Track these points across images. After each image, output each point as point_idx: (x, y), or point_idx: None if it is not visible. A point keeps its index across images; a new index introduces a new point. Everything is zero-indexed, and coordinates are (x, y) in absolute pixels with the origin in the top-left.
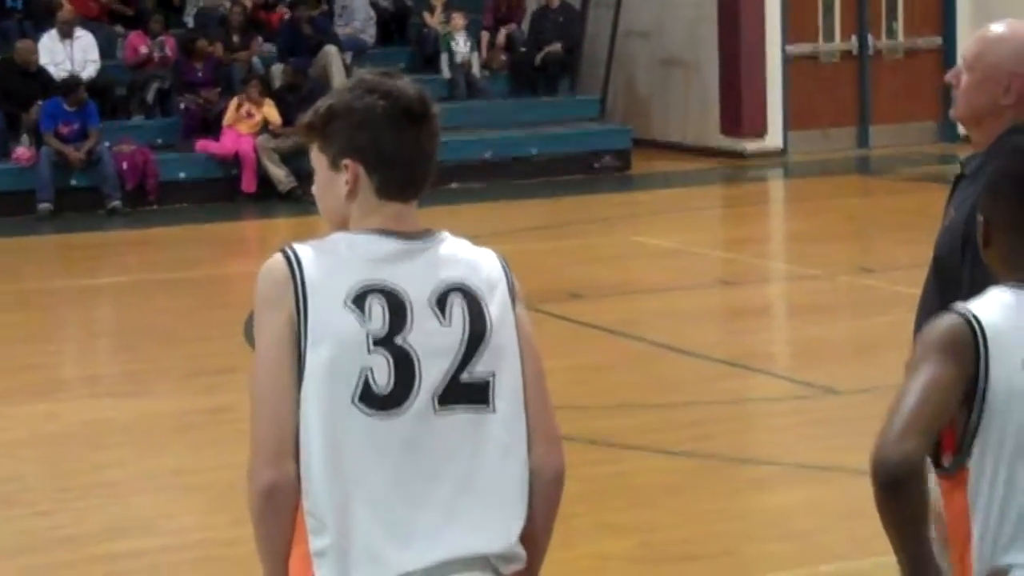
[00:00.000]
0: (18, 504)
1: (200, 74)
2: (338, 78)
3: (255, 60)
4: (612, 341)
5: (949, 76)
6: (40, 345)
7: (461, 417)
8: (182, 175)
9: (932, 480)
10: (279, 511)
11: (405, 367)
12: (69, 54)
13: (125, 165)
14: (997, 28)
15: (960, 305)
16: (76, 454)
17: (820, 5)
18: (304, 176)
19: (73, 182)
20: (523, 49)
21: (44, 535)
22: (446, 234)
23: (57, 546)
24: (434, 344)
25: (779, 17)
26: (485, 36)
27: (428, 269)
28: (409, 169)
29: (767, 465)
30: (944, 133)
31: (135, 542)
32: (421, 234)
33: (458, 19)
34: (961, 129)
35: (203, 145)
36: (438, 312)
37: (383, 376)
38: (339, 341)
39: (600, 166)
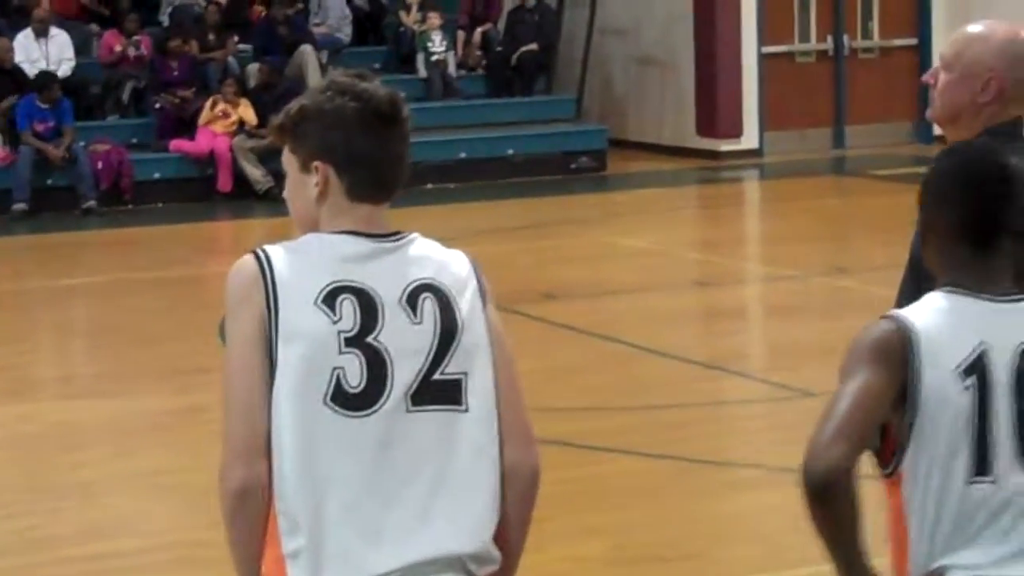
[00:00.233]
0: None
1: (175, 73)
2: (313, 77)
3: (231, 59)
4: (587, 342)
5: (926, 77)
6: (14, 346)
7: (434, 416)
8: (157, 175)
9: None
10: (251, 511)
11: (377, 366)
12: (44, 52)
13: (100, 165)
14: (975, 28)
15: (894, 311)
16: (51, 455)
17: (796, 5)
18: (281, 176)
19: (49, 182)
20: (499, 48)
21: (18, 536)
22: (416, 235)
23: (32, 547)
24: (406, 343)
25: (755, 17)
26: (461, 35)
27: (398, 268)
28: (379, 171)
29: (742, 468)
30: (920, 134)
31: (110, 543)
32: (391, 235)
33: (434, 18)
34: (937, 130)
35: (177, 145)
36: (409, 311)
37: (355, 376)
38: (310, 341)
39: (576, 166)
